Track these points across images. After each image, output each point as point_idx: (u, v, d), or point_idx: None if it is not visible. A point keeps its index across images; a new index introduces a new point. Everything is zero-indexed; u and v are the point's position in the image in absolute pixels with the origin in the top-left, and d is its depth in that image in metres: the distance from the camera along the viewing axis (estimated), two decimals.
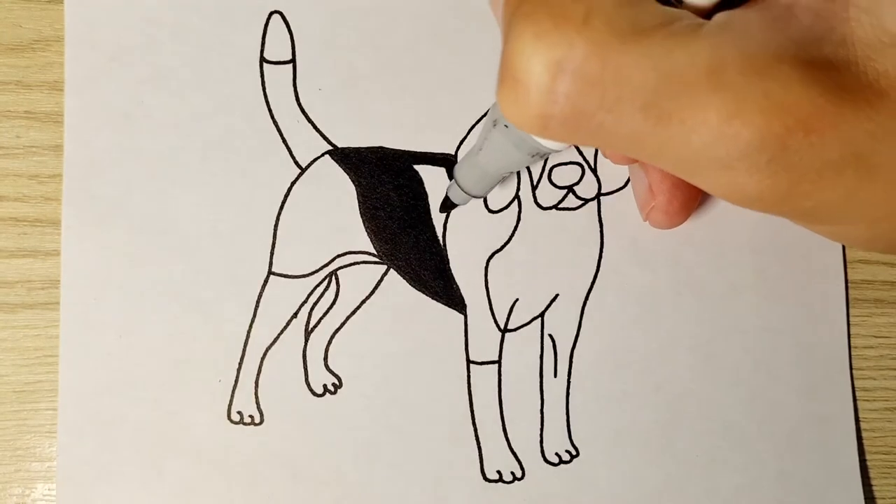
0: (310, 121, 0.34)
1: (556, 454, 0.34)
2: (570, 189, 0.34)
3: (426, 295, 0.34)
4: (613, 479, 0.34)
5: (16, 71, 0.34)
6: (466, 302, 0.34)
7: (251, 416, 0.33)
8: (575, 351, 0.34)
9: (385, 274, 0.34)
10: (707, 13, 0.21)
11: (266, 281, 0.33)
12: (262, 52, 0.34)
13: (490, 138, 0.26)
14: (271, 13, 0.34)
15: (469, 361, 0.34)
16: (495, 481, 0.34)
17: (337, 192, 0.34)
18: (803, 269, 0.35)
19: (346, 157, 0.34)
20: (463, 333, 0.34)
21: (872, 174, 0.19)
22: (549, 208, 0.34)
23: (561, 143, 0.24)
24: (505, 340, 0.34)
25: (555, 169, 0.33)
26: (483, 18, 0.34)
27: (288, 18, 0.34)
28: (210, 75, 0.34)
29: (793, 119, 0.19)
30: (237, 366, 0.33)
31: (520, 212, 0.34)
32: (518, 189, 0.34)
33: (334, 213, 0.34)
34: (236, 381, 0.33)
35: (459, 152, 0.34)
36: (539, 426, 0.34)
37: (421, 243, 0.34)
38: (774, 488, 0.34)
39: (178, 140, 0.33)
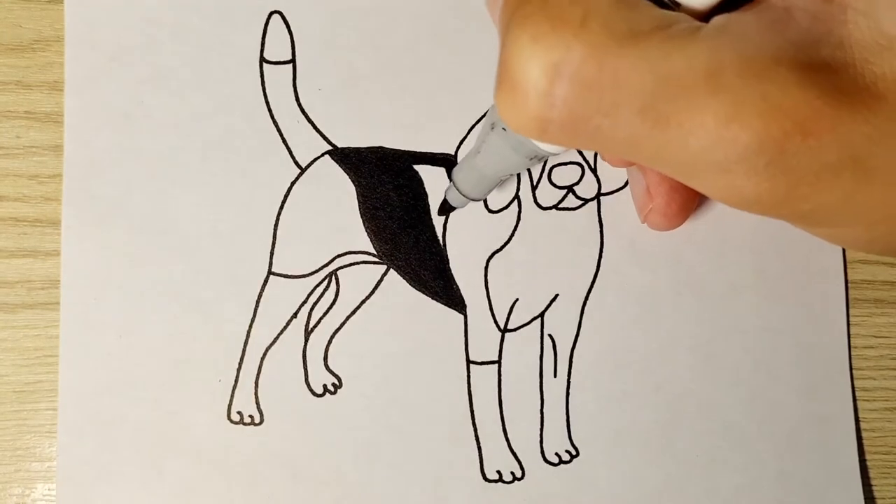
0: (310, 121, 0.34)
1: (556, 454, 0.34)
2: (569, 189, 0.34)
3: (426, 295, 0.34)
4: (613, 479, 0.34)
5: (16, 71, 0.34)
6: (466, 302, 0.34)
7: (251, 416, 0.33)
8: (575, 351, 0.34)
9: (385, 274, 0.34)
10: (704, 16, 0.21)
11: (266, 281, 0.33)
12: (261, 52, 0.34)
13: (488, 141, 0.26)
14: (271, 13, 0.34)
15: (469, 361, 0.34)
16: (495, 481, 0.34)
17: (337, 192, 0.34)
18: (803, 269, 0.35)
19: (346, 157, 0.34)
20: (463, 333, 0.34)
21: (870, 177, 0.19)
22: (549, 208, 0.34)
23: (559, 146, 0.24)
24: (505, 340, 0.34)
25: (555, 169, 0.33)
26: (483, 18, 0.34)
27: (288, 18, 0.34)
28: (210, 75, 0.34)
29: (790, 122, 0.18)
30: (237, 366, 0.33)
31: (520, 212, 0.34)
32: (518, 189, 0.34)
33: (334, 213, 0.34)
34: (236, 381, 0.33)
35: (459, 152, 0.34)
36: (539, 426, 0.34)
37: (421, 243, 0.34)
38: (774, 488, 0.34)
39: (178, 140, 0.33)
